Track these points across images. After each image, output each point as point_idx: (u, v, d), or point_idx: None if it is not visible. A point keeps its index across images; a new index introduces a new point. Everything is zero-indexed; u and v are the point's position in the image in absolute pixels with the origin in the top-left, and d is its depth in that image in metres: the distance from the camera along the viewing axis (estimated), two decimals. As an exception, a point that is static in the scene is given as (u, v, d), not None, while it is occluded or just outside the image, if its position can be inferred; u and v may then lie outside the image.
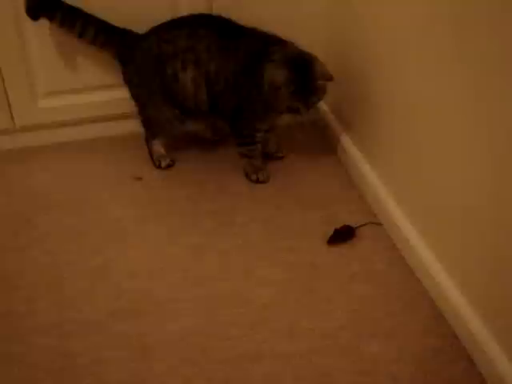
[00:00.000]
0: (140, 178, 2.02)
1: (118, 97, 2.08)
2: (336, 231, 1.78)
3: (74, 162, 2.12)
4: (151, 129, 2.03)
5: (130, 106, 2.04)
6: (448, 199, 1.49)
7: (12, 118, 2.11)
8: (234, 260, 1.74)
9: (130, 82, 1.98)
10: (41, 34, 1.99)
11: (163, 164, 2.06)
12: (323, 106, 2.18)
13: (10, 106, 2.09)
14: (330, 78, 1.77)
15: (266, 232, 1.83)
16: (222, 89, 1.87)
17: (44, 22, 1.94)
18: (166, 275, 1.70)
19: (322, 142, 2.18)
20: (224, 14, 1.91)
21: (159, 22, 1.92)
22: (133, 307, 1.60)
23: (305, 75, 1.75)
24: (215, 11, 1.99)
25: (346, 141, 2.04)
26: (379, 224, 1.82)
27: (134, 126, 2.12)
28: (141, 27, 1.93)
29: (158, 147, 2.06)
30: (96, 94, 2.14)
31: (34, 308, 1.61)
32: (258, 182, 2.00)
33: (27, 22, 1.94)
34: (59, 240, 1.81)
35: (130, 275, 1.70)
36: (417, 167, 1.63)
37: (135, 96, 1.99)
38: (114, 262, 1.74)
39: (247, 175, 2.00)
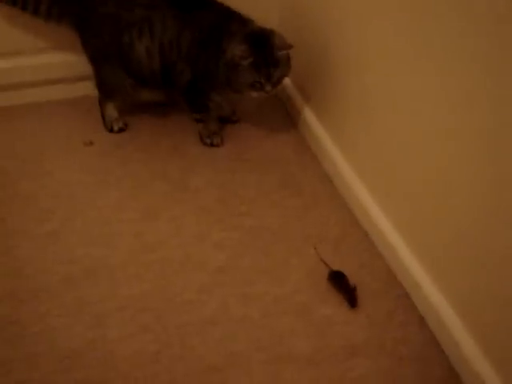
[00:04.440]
0: (91, 143, 1.97)
1: (68, 59, 2.03)
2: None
3: (23, 126, 2.05)
4: (106, 91, 1.98)
5: (80, 68, 1.99)
6: (396, 160, 1.50)
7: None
8: (188, 224, 1.72)
9: (87, 45, 1.93)
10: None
11: (115, 128, 2.02)
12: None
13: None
14: (288, 47, 1.75)
15: (220, 196, 1.82)
16: (175, 60, 1.83)
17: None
18: (119, 240, 1.67)
19: (277, 105, 2.16)
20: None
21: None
22: (85, 274, 1.58)
23: (263, 48, 1.72)
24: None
25: (301, 105, 2.03)
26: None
27: (85, 89, 2.07)
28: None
29: (111, 110, 2.01)
30: (45, 56, 2.06)
31: (-17, 276, 1.58)
32: (212, 145, 1.98)
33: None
34: (9, 206, 1.77)
35: (82, 241, 1.67)
36: (369, 132, 1.63)
37: (92, 58, 1.94)
38: (66, 227, 1.70)
39: (201, 139, 1.98)
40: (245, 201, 1.80)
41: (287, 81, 2.13)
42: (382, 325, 1.48)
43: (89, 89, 2.04)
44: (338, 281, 1.55)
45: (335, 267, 1.59)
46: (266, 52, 1.73)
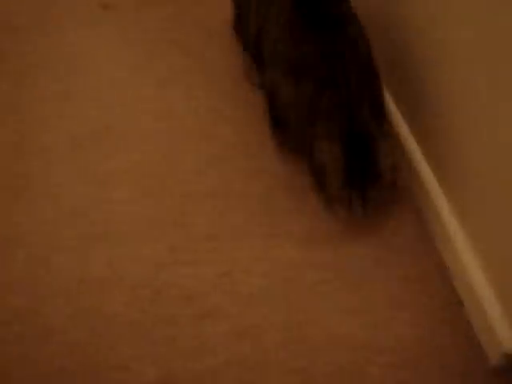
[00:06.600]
0: (107, 6, 1.93)
1: None
2: None
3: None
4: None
5: None
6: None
7: None
8: (202, 97, 1.72)
9: None
10: None
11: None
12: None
13: None
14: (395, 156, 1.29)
15: (236, 74, 1.79)
16: (255, 32, 1.53)
17: None
18: (130, 107, 1.68)
19: None
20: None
21: None
22: (93, 135, 1.60)
23: (362, 153, 1.27)
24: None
25: None
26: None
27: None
28: None
29: None
30: None
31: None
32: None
33: None
34: (23, 63, 1.76)
35: (93, 104, 1.68)
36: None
37: None
38: (77, 89, 1.71)
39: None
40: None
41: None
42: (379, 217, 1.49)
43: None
44: None
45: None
46: (366, 159, 1.27)
